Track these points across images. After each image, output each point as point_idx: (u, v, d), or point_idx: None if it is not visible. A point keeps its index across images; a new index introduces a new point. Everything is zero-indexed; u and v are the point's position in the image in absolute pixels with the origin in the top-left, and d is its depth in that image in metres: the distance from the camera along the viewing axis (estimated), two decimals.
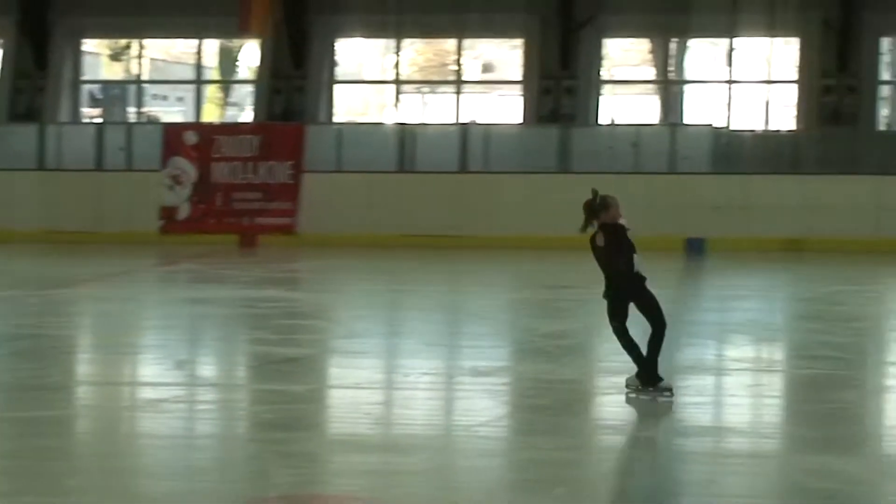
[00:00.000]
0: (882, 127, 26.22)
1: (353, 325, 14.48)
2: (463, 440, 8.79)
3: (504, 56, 28.70)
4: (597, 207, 9.97)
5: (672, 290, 17.37)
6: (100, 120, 28.90)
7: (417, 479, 7.73)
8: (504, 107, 27.97)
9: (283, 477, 7.67)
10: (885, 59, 27.38)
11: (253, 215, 25.08)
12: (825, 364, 11.74)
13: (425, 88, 29.34)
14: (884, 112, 27.31)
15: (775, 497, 7.62)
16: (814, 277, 19.35)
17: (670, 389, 9.78)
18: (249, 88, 28.75)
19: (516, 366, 11.83)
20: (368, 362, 11.83)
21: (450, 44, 28.04)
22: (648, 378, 9.77)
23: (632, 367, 9.88)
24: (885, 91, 27.46)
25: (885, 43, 27.13)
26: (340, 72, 28.29)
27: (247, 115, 28.59)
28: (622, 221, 9.97)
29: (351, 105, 29.42)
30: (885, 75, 27.49)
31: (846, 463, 8.14)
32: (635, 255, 9.86)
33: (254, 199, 25.05)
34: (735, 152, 25.81)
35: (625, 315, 9.85)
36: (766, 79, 27.61)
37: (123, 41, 28.87)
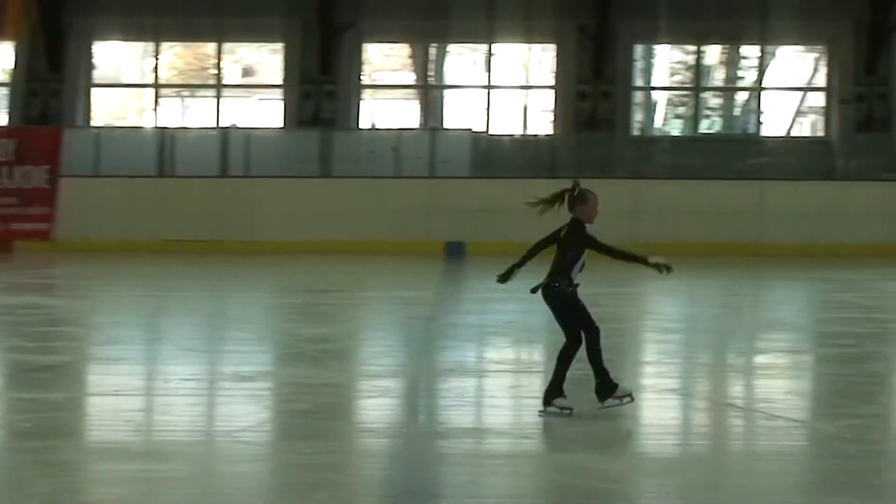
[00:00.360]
0: (636, 132, 26.99)
1: (111, 331, 14.23)
2: (225, 446, 8.71)
3: (264, 60, 28.58)
4: (573, 198, 9.62)
5: (432, 294, 17.52)
6: None
7: (178, 485, 7.64)
8: (265, 111, 27.85)
9: (42, 487, 7.49)
10: (639, 65, 28.15)
11: (8, 220, 24.44)
12: (577, 365, 11.96)
13: (185, 92, 29.01)
14: (637, 117, 28.05)
15: (535, 496, 7.74)
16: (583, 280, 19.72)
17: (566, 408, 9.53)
18: (4, 91, 28.00)
19: (279, 370, 11.78)
20: (128, 369, 11.63)
21: (210, 47, 27.78)
22: (553, 393, 9.52)
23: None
24: (638, 97, 28.21)
25: (639, 50, 27.89)
26: (98, 75, 27.78)
27: (1, 119, 27.85)
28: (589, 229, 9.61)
29: (109, 109, 28.90)
30: (639, 81, 28.25)
31: (603, 461, 8.32)
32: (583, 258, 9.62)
33: (9, 205, 24.43)
34: (494, 157, 26.22)
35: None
36: (523, 84, 28.10)
37: None
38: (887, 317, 16.28)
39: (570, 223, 9.64)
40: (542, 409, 9.55)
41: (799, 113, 28.98)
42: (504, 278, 9.98)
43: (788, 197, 24.05)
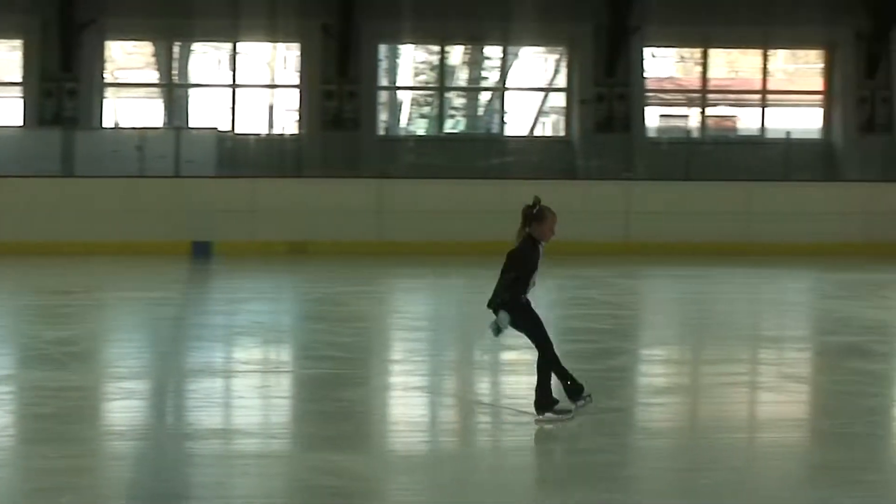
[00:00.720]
0: (382, 131, 27.09)
1: None
2: None
3: (3, 57, 27.78)
4: (530, 215, 9.73)
5: (178, 294, 17.32)
6: None
7: None
8: (4, 109, 27.08)
9: None
10: (384, 65, 28.31)
11: None
12: (331, 363, 12.02)
13: None
14: (383, 117, 28.22)
15: (283, 496, 7.74)
16: (318, 279, 19.75)
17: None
18: None
19: (21, 374, 11.50)
20: None
21: None
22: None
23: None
24: (383, 96, 28.37)
25: (383, 49, 28.05)
26: None
27: None
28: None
29: None
30: (384, 81, 28.41)
31: (352, 460, 8.37)
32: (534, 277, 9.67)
33: None
34: (240, 156, 26.04)
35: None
36: (269, 83, 28.00)
37: None
38: (627, 313, 16.75)
39: (524, 239, 9.71)
40: (538, 416, 9.58)
41: (541, 113, 29.55)
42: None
43: (529, 196, 24.45)
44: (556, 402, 9.61)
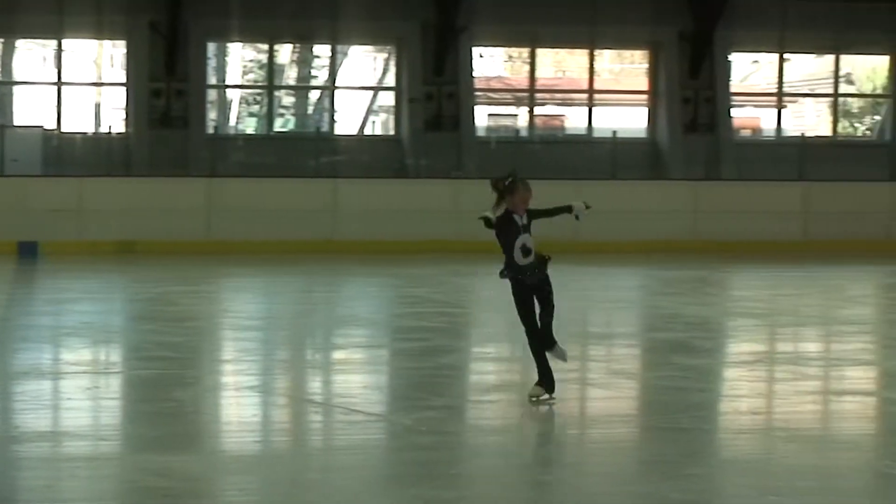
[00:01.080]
0: (211, 130, 26.85)
1: None
2: None
3: None
4: (501, 188, 10.05)
5: (4, 295, 16.98)
6: None
7: None
8: None
9: None
10: (212, 63, 28.06)
11: None
12: (161, 364, 11.90)
13: None
14: (212, 115, 27.97)
15: (113, 498, 7.64)
16: (147, 279, 19.52)
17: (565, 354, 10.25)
18: None
19: None
20: None
21: None
22: (546, 343, 10.09)
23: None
24: (212, 95, 28.13)
25: (212, 47, 27.81)
26: None
27: None
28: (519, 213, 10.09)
29: None
30: (213, 79, 28.17)
31: (183, 460, 8.29)
32: (518, 243, 10.07)
33: None
34: (66, 155, 25.59)
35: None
36: (95, 81, 27.56)
37: None
38: (457, 311, 16.84)
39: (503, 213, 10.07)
40: (538, 397, 10.09)
41: (371, 112, 29.58)
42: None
43: (361, 195, 24.49)
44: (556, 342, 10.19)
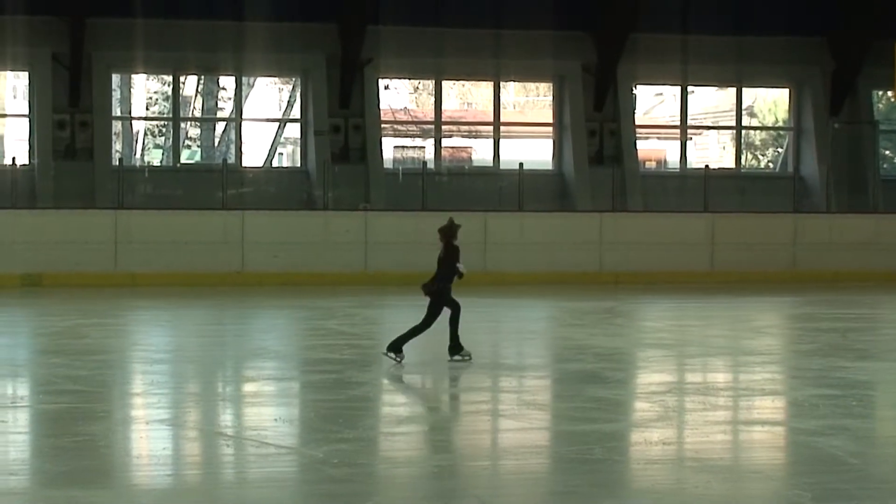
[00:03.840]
0: (116, 162, 26.60)
1: None
2: None
3: None
4: (453, 230, 14.05)
5: None
6: None
7: None
8: None
9: None
10: (117, 95, 27.88)
11: None
12: (70, 397, 11.77)
13: None
14: (118, 147, 27.77)
15: None
16: (55, 312, 19.32)
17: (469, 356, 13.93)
18: None
19: None
20: None
21: None
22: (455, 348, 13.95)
23: None
24: (118, 126, 27.93)
25: (116, 79, 27.63)
26: None
27: None
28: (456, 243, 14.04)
29: None
30: (118, 111, 27.98)
31: (94, 495, 8.21)
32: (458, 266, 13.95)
33: None
34: None
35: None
36: None
37: None
38: (367, 343, 16.81)
39: (448, 247, 14.02)
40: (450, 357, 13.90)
41: (277, 144, 29.53)
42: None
43: (269, 227, 24.45)
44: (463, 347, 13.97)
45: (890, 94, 29.59)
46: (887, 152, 32.59)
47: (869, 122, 29.72)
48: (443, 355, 14.08)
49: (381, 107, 28.24)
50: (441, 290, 13.98)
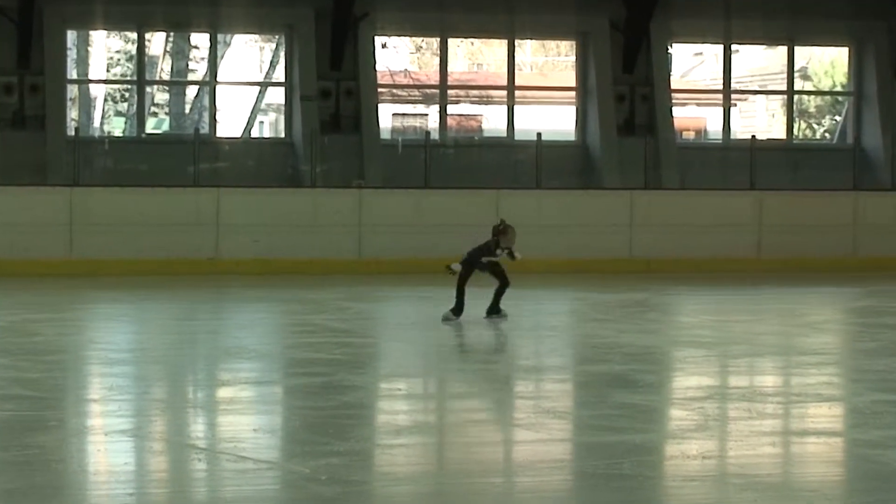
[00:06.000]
0: (72, 132, 26.51)
1: None
2: None
3: None
4: (497, 231, 17.22)
5: None
6: None
7: None
8: None
9: None
10: (73, 54, 27.86)
11: None
12: (19, 404, 11.77)
13: None
14: (73, 115, 27.75)
15: None
16: (0, 305, 19.33)
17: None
18: None
19: None
20: None
21: None
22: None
23: None
24: (73, 91, 27.91)
25: (71, 36, 27.60)
26: None
27: None
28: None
29: None
30: (73, 73, 27.96)
31: None
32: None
33: None
34: None
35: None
36: None
37: None
38: (360, 341, 16.81)
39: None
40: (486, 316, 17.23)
41: (258, 111, 29.53)
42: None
43: (248, 207, 24.44)
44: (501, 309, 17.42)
45: None
46: None
47: None
48: (449, 354, 14.07)
49: (378, 69, 28.21)
50: (478, 262, 17.18)
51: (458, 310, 17.09)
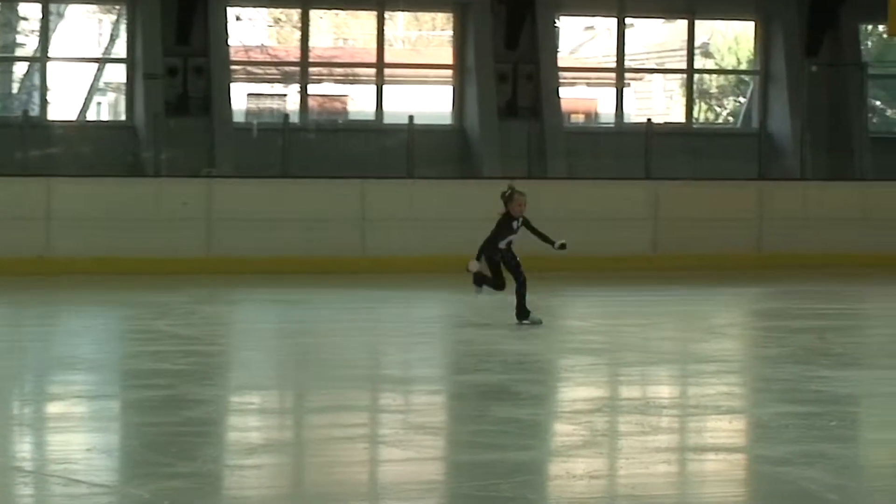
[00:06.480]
0: None
1: None
2: None
3: None
4: (504, 198, 17.74)
5: None
6: None
7: None
8: None
9: None
10: None
11: None
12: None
13: None
14: None
15: None
16: None
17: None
18: None
19: None
20: None
21: None
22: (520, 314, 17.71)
23: None
24: None
25: None
26: None
27: None
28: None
29: None
30: None
31: None
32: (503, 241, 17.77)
33: None
34: None
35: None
36: None
37: None
38: (208, 349, 16.74)
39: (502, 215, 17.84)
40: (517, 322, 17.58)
41: (95, 91, 29.29)
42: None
43: (83, 198, 24.20)
44: (530, 312, 17.62)
45: (882, 28, 29.95)
46: (878, 103, 33.00)
47: (855, 65, 30.04)
48: (309, 364, 14.03)
49: (231, 43, 28.09)
50: (490, 256, 17.73)
51: (499, 284, 18.02)
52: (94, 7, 29.42)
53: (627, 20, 30.23)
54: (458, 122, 28.86)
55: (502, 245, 17.72)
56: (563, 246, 18.09)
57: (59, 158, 26.51)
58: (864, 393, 13.95)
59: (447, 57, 29.51)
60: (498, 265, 17.79)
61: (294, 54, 29.27)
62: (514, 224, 17.75)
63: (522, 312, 17.65)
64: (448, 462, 10.93)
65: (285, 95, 30.43)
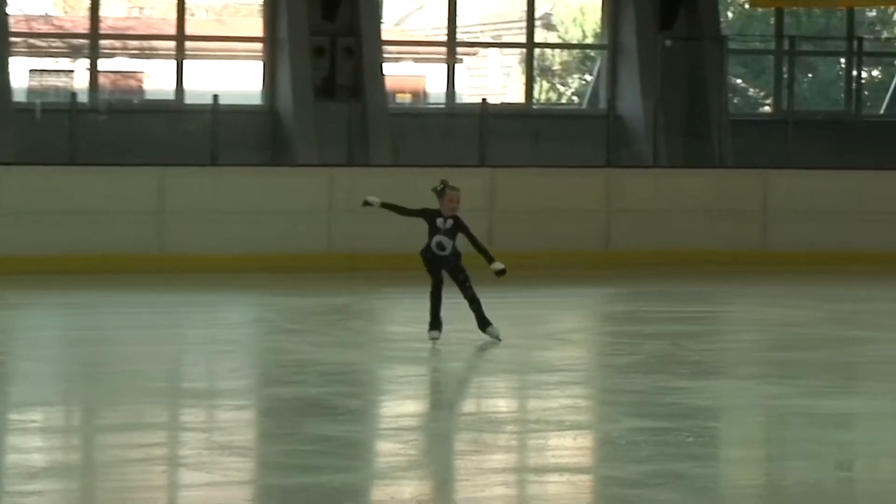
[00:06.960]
0: None
1: None
2: None
3: None
4: (437, 193, 17.15)
5: None
6: None
7: None
8: None
9: None
10: None
11: None
12: None
13: None
14: None
15: None
16: None
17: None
18: None
19: None
20: None
21: None
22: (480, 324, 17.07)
23: None
24: None
25: None
26: None
27: None
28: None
29: None
30: None
31: None
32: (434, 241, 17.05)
33: None
34: None
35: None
36: None
37: None
38: None
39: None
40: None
41: None
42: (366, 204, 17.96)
43: None
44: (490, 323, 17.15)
45: None
46: (739, 81, 33.37)
47: (713, 39, 30.35)
48: (100, 377, 13.93)
49: (10, 12, 27.78)
50: (433, 254, 17.24)
51: (435, 324, 17.10)
52: None
53: None
54: (269, 101, 28.75)
55: (435, 248, 17.10)
56: (501, 272, 17.19)
57: None
58: (723, 405, 14.11)
59: (256, 29, 29.41)
60: (439, 281, 17.28)
61: (82, 25, 29.00)
62: (440, 221, 17.08)
63: (483, 321, 17.10)
64: (256, 486, 10.90)
65: (72, 72, 30.19)
